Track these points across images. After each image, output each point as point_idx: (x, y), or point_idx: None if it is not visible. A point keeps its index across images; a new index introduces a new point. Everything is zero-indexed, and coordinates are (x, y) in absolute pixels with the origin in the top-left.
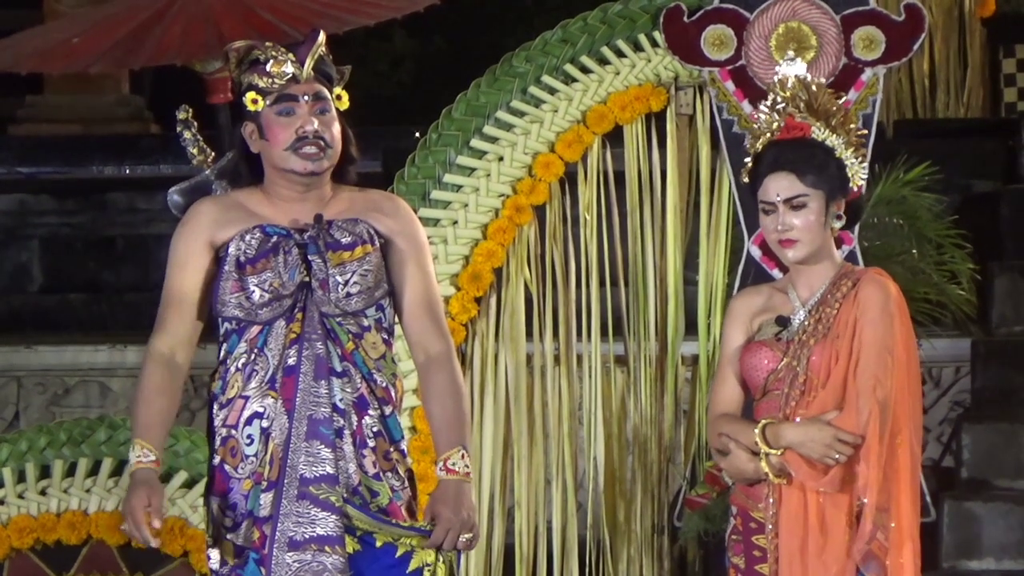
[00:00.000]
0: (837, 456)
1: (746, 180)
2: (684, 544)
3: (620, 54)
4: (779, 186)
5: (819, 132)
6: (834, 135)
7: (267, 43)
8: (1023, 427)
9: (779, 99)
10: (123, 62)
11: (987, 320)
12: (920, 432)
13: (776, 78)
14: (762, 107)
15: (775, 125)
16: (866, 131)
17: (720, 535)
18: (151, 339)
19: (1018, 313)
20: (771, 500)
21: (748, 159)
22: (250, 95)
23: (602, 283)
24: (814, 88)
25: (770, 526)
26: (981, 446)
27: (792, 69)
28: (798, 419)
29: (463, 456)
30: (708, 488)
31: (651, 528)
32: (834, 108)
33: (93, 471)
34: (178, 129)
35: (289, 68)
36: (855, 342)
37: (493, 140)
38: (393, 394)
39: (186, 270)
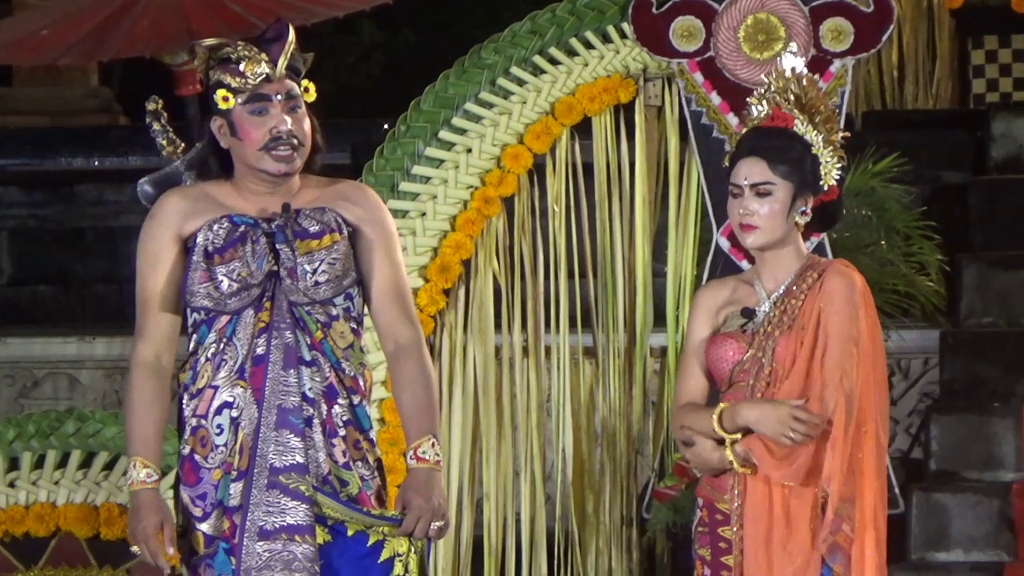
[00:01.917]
0: (793, 435)
1: (726, 164)
2: (653, 536)
3: (589, 45)
4: (749, 171)
5: (801, 126)
6: (815, 131)
7: (239, 42)
8: (992, 418)
9: (772, 88)
10: (92, 54)
11: (956, 311)
12: (886, 423)
13: (775, 67)
14: (755, 95)
15: (763, 114)
16: (848, 134)
17: (688, 526)
18: (135, 345)
19: (987, 304)
20: (736, 491)
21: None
22: (221, 92)
23: (571, 275)
24: (805, 83)
25: (735, 517)
26: (950, 438)
27: (790, 61)
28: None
29: (433, 444)
30: (677, 480)
31: (620, 520)
32: (822, 107)
33: (62, 463)
34: (147, 120)
35: (263, 68)
36: (820, 333)
37: (462, 132)
38: (361, 384)
39: (157, 268)
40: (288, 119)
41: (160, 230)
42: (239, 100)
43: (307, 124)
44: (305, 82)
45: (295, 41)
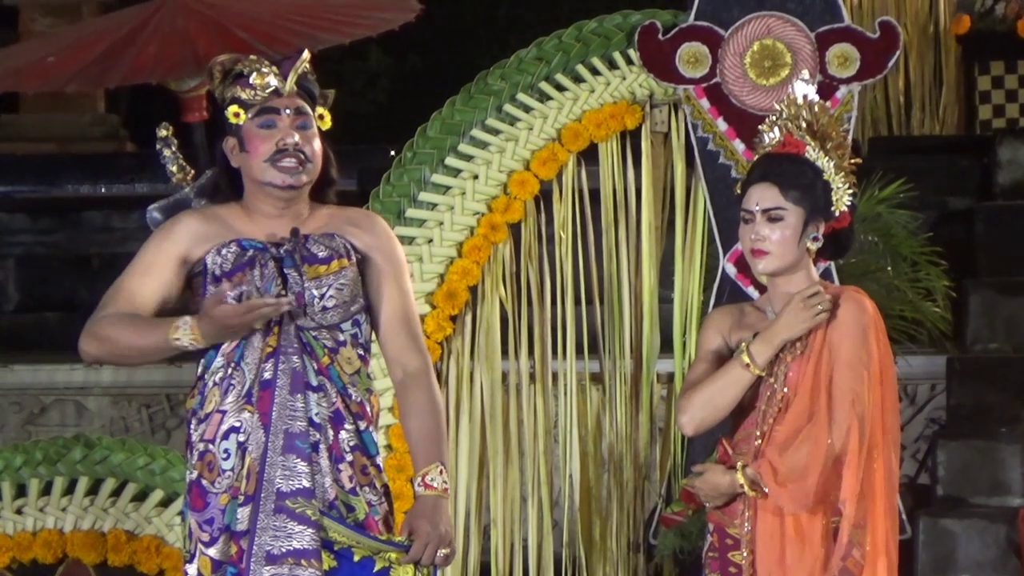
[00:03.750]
0: (817, 309)
1: (738, 191)
2: (660, 561)
3: (595, 72)
4: (761, 196)
5: (812, 152)
6: (826, 158)
7: (251, 56)
8: (998, 444)
9: (784, 114)
10: (99, 81)
11: (962, 337)
12: (898, 448)
13: (787, 94)
14: (767, 121)
15: (775, 140)
16: (860, 160)
17: (695, 552)
18: (92, 318)
19: (993, 330)
20: (746, 516)
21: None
22: (232, 108)
23: (577, 301)
24: (817, 109)
25: (744, 542)
26: (956, 463)
27: (802, 88)
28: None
29: (441, 472)
30: (683, 505)
31: (627, 545)
32: (833, 133)
33: (69, 490)
34: (158, 147)
35: (272, 81)
36: (831, 358)
37: (468, 158)
38: (368, 409)
39: (146, 275)
40: (295, 134)
41: (166, 244)
42: (249, 115)
43: (316, 143)
44: (320, 109)
45: (308, 62)
